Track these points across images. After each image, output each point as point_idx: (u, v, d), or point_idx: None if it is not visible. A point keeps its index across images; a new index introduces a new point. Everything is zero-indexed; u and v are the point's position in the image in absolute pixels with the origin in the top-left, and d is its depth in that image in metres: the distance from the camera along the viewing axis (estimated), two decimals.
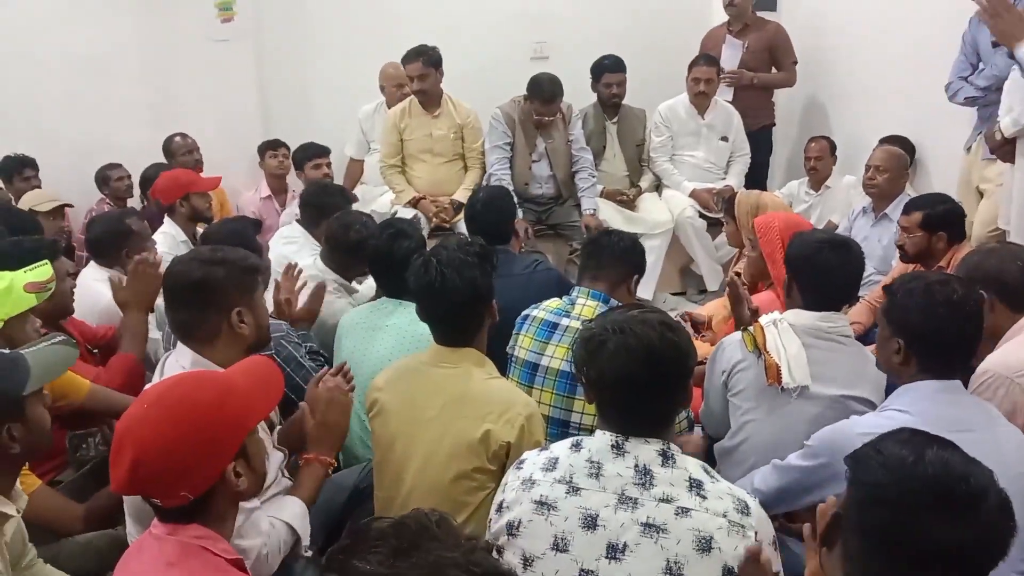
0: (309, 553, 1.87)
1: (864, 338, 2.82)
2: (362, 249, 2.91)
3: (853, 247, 2.30)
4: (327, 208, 3.42)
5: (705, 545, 1.42)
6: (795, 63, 4.98)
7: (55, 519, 2.06)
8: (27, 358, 1.69)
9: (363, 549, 0.97)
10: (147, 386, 1.98)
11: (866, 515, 1.16)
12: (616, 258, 2.52)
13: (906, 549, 1.11)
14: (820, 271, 2.22)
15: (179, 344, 1.94)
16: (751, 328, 2.25)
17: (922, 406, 1.77)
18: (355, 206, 4.70)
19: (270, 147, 5.09)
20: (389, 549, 0.96)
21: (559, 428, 2.30)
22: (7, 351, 1.76)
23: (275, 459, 2.02)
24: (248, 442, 1.43)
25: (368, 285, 3.26)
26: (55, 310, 2.62)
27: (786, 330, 2.20)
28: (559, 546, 1.47)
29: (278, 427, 2.18)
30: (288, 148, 5.08)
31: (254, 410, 1.47)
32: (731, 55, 4.98)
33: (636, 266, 2.57)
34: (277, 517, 1.83)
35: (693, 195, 4.82)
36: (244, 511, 1.72)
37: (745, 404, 2.22)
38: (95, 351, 2.83)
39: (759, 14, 5.12)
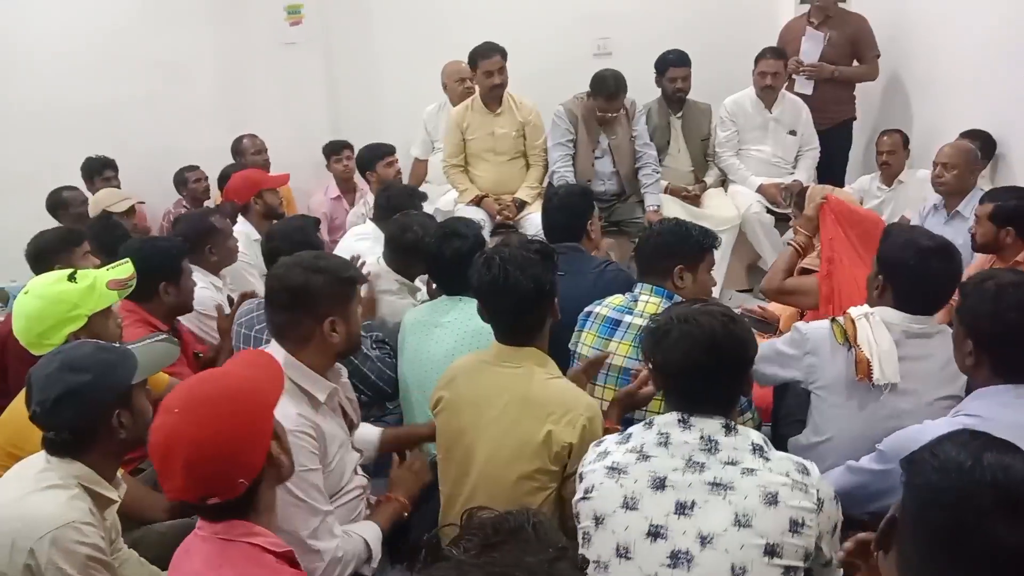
0: (375, 565, 1.97)
1: None
2: (418, 251, 2.95)
3: (955, 254, 2.20)
4: (397, 208, 3.47)
5: (772, 499, 1.50)
6: (878, 56, 4.80)
7: (140, 506, 2.15)
8: (135, 352, 1.82)
9: (462, 536, 1.01)
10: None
11: (921, 519, 1.14)
12: (653, 254, 2.46)
13: (963, 554, 1.08)
14: (925, 279, 2.15)
15: (272, 342, 2.01)
16: (840, 319, 2.21)
17: (996, 412, 1.72)
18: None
19: (334, 151, 5.16)
20: (481, 540, 1.00)
21: (623, 425, 2.27)
22: (117, 345, 1.89)
23: (351, 459, 2.09)
24: (276, 424, 1.49)
25: None
26: (178, 307, 2.82)
27: (878, 324, 2.14)
28: (629, 504, 1.57)
29: (356, 427, 2.24)
30: (352, 149, 5.16)
31: (270, 393, 1.53)
32: (811, 48, 4.82)
33: (677, 256, 2.43)
34: (354, 531, 1.91)
35: (760, 190, 4.74)
36: (319, 515, 1.79)
37: (832, 398, 2.18)
38: (200, 355, 2.98)
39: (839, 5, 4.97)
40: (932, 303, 2.20)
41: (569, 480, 1.92)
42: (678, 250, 2.44)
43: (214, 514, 1.42)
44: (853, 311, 2.20)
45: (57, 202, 4.36)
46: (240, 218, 3.90)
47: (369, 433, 2.43)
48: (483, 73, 4.47)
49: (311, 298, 1.95)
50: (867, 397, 2.13)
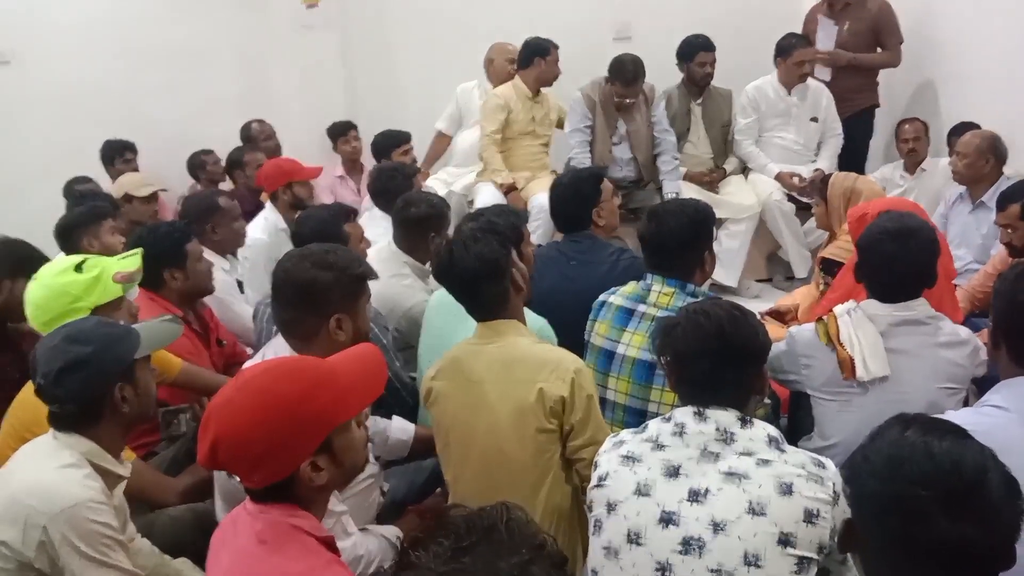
0: None
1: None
2: (423, 227, 2.91)
3: (915, 237, 2.11)
4: (394, 191, 3.43)
5: (786, 489, 1.50)
6: (900, 43, 4.71)
7: (152, 491, 2.17)
8: (137, 329, 1.83)
9: (431, 539, 0.97)
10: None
11: (869, 526, 1.14)
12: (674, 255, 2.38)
13: (914, 552, 1.08)
14: (883, 263, 2.11)
15: (279, 336, 1.99)
16: (825, 318, 2.18)
17: (1019, 402, 1.69)
18: (435, 184, 4.75)
19: (340, 133, 5.17)
20: (450, 544, 0.95)
21: (636, 417, 2.25)
22: (121, 323, 1.89)
23: None
24: (336, 437, 1.36)
25: None
26: (190, 291, 2.77)
27: (861, 319, 2.10)
28: (641, 491, 1.58)
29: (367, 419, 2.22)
30: (357, 129, 5.15)
31: (347, 405, 1.40)
32: (825, 36, 4.76)
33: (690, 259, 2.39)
34: (377, 531, 1.90)
35: (778, 178, 4.67)
36: (333, 515, 1.74)
37: (829, 401, 2.16)
38: (222, 343, 2.95)
39: None
40: (898, 288, 2.12)
41: (570, 438, 1.94)
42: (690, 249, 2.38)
43: (250, 493, 1.38)
44: (838, 308, 2.17)
45: (71, 195, 4.36)
46: (268, 205, 3.86)
47: (403, 432, 2.42)
48: (554, 61, 4.59)
49: (317, 295, 1.91)
50: (863, 395, 2.10)
